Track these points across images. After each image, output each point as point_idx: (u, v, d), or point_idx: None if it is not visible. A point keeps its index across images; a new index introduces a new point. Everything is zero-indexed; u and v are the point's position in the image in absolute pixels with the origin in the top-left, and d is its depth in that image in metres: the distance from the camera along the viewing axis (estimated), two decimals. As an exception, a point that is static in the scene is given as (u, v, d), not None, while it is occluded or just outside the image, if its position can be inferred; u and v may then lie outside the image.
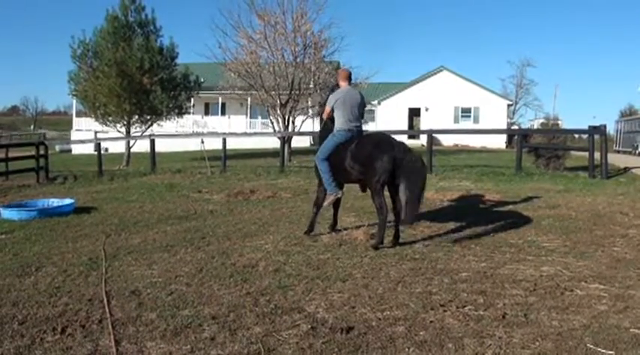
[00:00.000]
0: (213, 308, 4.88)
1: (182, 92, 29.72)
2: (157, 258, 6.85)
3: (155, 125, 29.62)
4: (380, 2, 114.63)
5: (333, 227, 8.32)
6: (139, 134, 27.29)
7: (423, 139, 22.80)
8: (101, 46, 27.51)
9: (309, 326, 4.44)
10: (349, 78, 8.35)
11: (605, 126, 17.33)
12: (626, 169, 18.74)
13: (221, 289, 5.47)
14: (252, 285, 5.57)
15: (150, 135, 22.33)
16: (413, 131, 41.74)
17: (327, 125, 8.18)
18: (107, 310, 4.87)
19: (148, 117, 28.85)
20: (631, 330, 4.36)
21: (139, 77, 26.82)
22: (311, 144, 42.00)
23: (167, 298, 5.20)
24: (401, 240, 7.36)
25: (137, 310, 4.89)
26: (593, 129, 17.38)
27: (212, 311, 4.80)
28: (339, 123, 7.85)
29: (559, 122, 50.64)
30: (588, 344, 4.10)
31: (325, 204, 8.09)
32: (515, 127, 47.43)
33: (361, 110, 8.02)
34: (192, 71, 30.43)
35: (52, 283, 5.82)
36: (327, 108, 8.01)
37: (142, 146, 26.87)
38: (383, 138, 7.57)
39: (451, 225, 8.56)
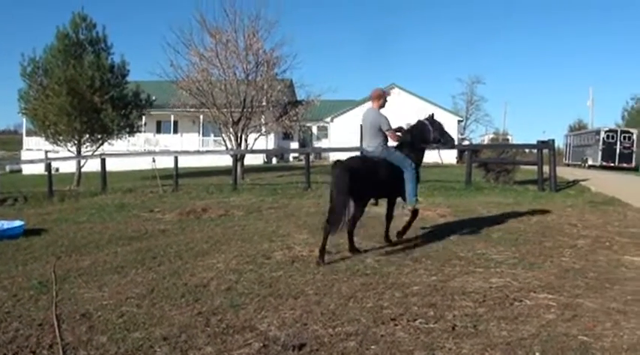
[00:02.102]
0: (164, 330, 4.80)
1: (133, 110, 29.41)
2: (107, 279, 6.72)
3: (106, 144, 29.24)
4: (330, 20, 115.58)
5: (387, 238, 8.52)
6: (90, 153, 26.90)
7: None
8: (51, 63, 27.10)
9: (261, 345, 4.41)
10: (374, 98, 8.57)
11: (553, 140, 17.78)
12: (575, 182, 19.18)
13: (172, 310, 5.39)
14: (203, 305, 5.51)
15: (101, 155, 22.04)
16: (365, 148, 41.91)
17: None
18: (58, 335, 4.76)
19: (99, 136, 28.46)
20: (579, 338, 4.44)
21: (90, 95, 26.47)
22: (264, 162, 41.95)
23: (118, 320, 5.10)
24: (352, 257, 7.49)
25: (88, 334, 4.79)
26: (542, 144, 17.82)
27: (163, 333, 4.72)
28: None
29: (509, 137, 51.59)
30: (537, 353, 4.16)
31: None
32: (466, 143, 48.08)
33: (372, 130, 8.23)
34: (144, 89, 30.17)
35: (1, 308, 5.67)
36: None
37: (93, 165, 26.39)
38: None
39: (402, 240, 8.61)
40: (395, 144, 8.42)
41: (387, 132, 8.18)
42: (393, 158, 8.13)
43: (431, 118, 8.77)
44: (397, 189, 8.22)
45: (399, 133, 8.51)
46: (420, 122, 8.73)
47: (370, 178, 7.76)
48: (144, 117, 34.05)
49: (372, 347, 4.32)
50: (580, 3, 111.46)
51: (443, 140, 8.83)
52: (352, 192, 7.46)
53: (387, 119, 8.26)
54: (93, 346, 4.51)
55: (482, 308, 5.20)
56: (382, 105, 8.46)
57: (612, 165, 37.63)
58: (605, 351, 4.21)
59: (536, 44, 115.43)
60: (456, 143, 44.40)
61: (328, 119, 48.66)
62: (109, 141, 29.22)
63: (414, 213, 8.46)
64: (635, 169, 36.34)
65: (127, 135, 30.67)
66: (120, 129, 28.54)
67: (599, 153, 38.81)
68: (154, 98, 31.32)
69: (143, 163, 28.49)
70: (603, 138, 38.96)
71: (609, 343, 4.36)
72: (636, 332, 4.59)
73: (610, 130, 40.38)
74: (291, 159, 47.25)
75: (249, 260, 7.49)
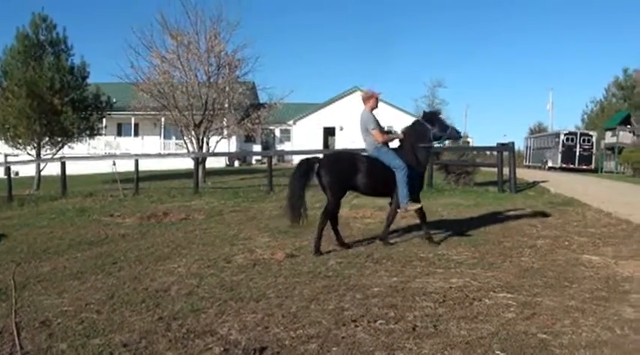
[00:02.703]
0: (124, 336, 4.74)
1: (93, 113, 28.94)
2: (67, 285, 6.62)
3: (66, 147, 28.76)
4: (292, 23, 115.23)
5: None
6: (50, 157, 26.46)
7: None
8: (11, 65, 26.65)
9: (222, 349, 4.38)
10: (365, 100, 8.63)
11: (513, 143, 18.11)
12: (534, 183, 19.46)
13: (132, 315, 5.33)
14: (164, 310, 5.45)
15: (61, 158, 21.72)
16: (327, 150, 42.16)
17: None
18: (17, 343, 4.67)
19: (59, 139, 27.96)
20: (538, 335, 4.51)
21: (50, 97, 26.02)
22: (226, 165, 41.72)
23: (78, 327, 5.02)
24: (314, 260, 7.50)
25: (48, 341, 4.70)
26: (502, 147, 18.10)
27: (123, 339, 4.66)
28: None
29: (469, 140, 52.29)
30: (496, 351, 4.20)
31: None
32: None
33: (363, 131, 8.46)
34: (104, 91, 29.74)
35: (-40, 316, 5.55)
36: None
37: (52, 169, 25.97)
38: None
39: (364, 242, 8.67)
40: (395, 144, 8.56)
41: (371, 132, 8.26)
42: (383, 158, 8.23)
43: (429, 115, 8.74)
44: (387, 188, 8.33)
45: (396, 135, 8.66)
46: (416, 122, 8.77)
47: (343, 173, 8.04)
48: (104, 120, 33.59)
49: (334, 348, 4.32)
50: (540, 6, 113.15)
51: (447, 135, 8.73)
52: (321, 185, 8.07)
53: (374, 119, 8.37)
54: (53, 353, 4.45)
55: (442, 308, 5.24)
56: (374, 106, 8.51)
57: (572, 166, 38.28)
58: (563, 348, 4.27)
59: (497, 47, 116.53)
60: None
61: (291, 122, 48.68)
62: (69, 144, 28.76)
63: (393, 214, 8.61)
64: (594, 170, 37.07)
65: (88, 138, 30.22)
66: (80, 132, 28.10)
67: (559, 155, 39.51)
68: (114, 100, 30.97)
69: (104, 166, 28.15)
70: (563, 141, 39.69)
71: (568, 340, 4.43)
72: (594, 329, 4.67)
73: (569, 133, 41.18)
74: (253, 162, 47.05)
75: (211, 264, 7.44)
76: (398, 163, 8.15)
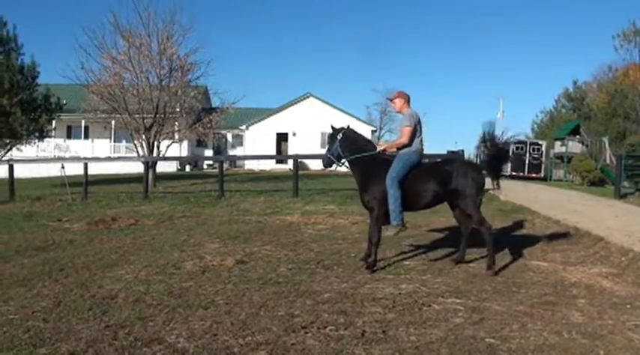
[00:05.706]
0: (71, 345, 4.61)
1: (43, 114, 28.16)
2: (13, 293, 6.40)
3: (14, 149, 28.02)
4: (245, 27, 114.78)
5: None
6: (-3, 159, 25.76)
7: (291, 164, 22.86)
8: (-41, 63, 25.78)
9: (169, 357, 4.31)
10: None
11: (462, 151, 18.46)
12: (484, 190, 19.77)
13: (79, 323, 5.19)
14: (111, 318, 5.33)
15: (8, 160, 21.18)
16: (280, 156, 42.28)
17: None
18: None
19: (7, 141, 27.14)
20: (486, 340, 4.56)
21: (-2, 97, 25.31)
22: (177, 170, 41.31)
23: (24, 336, 4.87)
24: (264, 266, 7.42)
25: (-8, 351, 4.55)
26: (452, 154, 18.38)
27: (70, 348, 4.54)
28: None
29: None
30: (444, 357, 4.24)
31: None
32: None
33: None
34: (54, 92, 29.02)
35: None
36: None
37: (0, 172, 25.31)
38: None
39: (315, 247, 8.65)
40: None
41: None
42: None
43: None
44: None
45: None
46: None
47: None
48: (54, 122, 32.85)
49: (283, 355, 4.30)
50: (492, 17, 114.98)
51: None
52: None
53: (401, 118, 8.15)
54: (-3, 364, 4.30)
55: (391, 314, 5.26)
56: (398, 108, 8.17)
57: (521, 174, 38.82)
58: (512, 352, 4.34)
59: (450, 55, 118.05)
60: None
61: (243, 127, 48.48)
62: (18, 146, 28.01)
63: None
64: (544, 179, 37.71)
65: (37, 141, 29.49)
66: (29, 133, 27.27)
67: (509, 164, 40.04)
68: (64, 102, 30.23)
69: (53, 170, 27.53)
70: (512, 149, 40.24)
71: (516, 345, 4.50)
72: (542, 333, 4.76)
73: (519, 142, 41.74)
74: (205, 166, 46.72)
75: (159, 270, 7.32)
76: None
